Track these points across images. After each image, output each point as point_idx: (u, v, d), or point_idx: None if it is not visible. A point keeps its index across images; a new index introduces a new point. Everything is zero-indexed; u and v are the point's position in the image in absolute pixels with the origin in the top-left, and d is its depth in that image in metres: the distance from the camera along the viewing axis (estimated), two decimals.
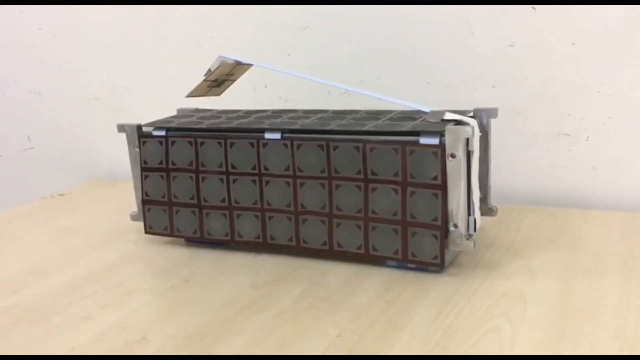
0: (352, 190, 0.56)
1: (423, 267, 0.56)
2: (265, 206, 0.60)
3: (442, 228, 0.53)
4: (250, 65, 0.66)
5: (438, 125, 0.54)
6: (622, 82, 0.67)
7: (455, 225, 0.54)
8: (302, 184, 0.58)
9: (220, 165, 0.61)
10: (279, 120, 0.62)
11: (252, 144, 0.60)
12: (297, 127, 0.59)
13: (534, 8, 0.69)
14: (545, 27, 0.69)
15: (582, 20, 0.67)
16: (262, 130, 0.60)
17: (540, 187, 0.73)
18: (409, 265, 0.56)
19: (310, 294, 0.53)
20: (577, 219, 0.66)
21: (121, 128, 0.66)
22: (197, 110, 0.72)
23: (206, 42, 0.86)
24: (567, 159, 0.72)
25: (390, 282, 0.54)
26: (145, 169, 0.65)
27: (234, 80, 0.68)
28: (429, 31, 0.74)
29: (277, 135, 0.59)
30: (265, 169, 0.60)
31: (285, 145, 0.58)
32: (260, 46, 0.83)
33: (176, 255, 0.64)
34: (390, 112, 0.63)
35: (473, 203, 0.55)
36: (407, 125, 0.55)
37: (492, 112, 0.60)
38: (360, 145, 0.55)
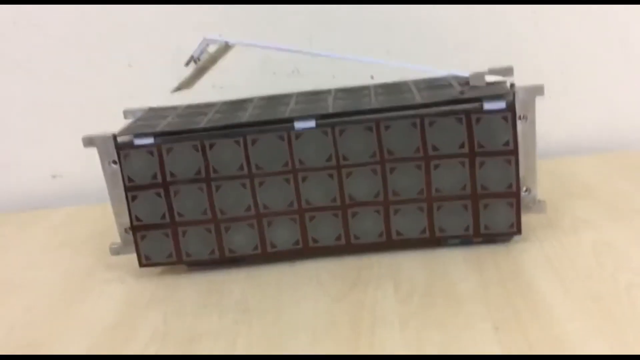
0: (411, 171, 0.51)
1: (490, 238, 0.53)
2: (304, 206, 0.52)
3: (517, 194, 0.51)
4: (233, 46, 0.56)
5: (498, 88, 0.51)
6: (580, 39, 0.71)
7: (527, 190, 0.51)
8: (348, 174, 0.51)
9: (241, 168, 0.51)
10: (293, 106, 0.53)
11: (281, 137, 0.50)
12: (330, 110, 0.51)
13: None
14: None
15: None
16: (289, 120, 0.51)
17: None
18: (474, 239, 0.53)
19: (409, 293, 0.47)
20: (560, 167, 0.68)
21: (88, 141, 0.51)
22: (155, 109, 0.59)
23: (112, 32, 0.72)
24: None
25: (474, 262, 0.50)
26: (132, 188, 0.52)
27: (209, 68, 0.57)
28: None
29: (311, 123, 0.50)
30: (301, 163, 0.51)
31: (325, 132, 0.50)
32: (182, 26, 0.71)
33: (191, 285, 0.52)
34: (404, 82, 0.58)
35: None
36: (456, 92, 0.51)
37: (508, 71, 0.58)
38: (418, 120, 0.50)
